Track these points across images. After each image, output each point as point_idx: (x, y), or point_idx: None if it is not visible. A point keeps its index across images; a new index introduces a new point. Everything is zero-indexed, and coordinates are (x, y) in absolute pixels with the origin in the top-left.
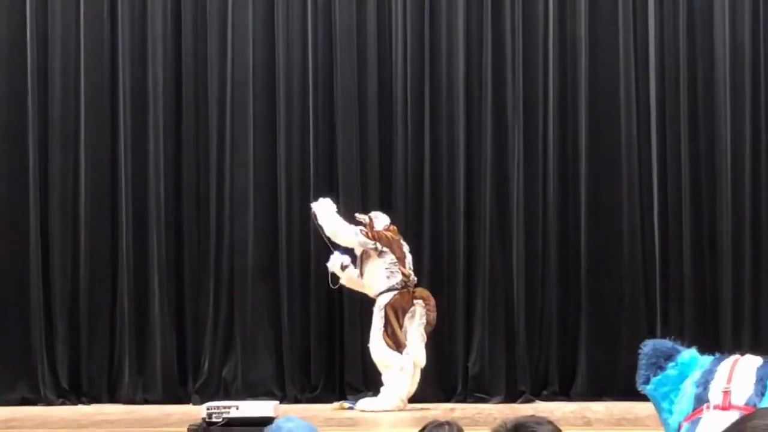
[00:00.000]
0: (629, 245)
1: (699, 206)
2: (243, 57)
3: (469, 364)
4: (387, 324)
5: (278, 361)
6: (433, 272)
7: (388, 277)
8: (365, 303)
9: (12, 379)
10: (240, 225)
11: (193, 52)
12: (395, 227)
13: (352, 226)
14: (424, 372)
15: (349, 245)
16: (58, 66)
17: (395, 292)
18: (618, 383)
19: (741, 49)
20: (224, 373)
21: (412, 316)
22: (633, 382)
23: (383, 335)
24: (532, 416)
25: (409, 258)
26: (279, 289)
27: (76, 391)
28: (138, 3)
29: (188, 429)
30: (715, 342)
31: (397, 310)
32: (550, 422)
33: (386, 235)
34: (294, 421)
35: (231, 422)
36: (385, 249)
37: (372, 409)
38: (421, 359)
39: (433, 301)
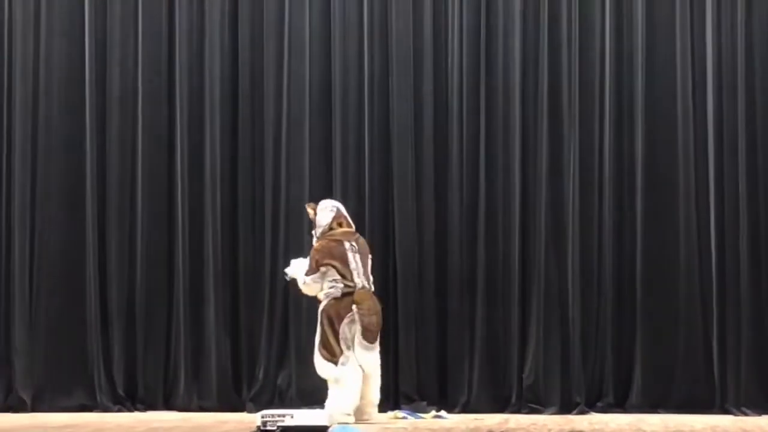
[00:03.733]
0: (685, 257)
1: (756, 218)
2: (299, 69)
3: (524, 375)
4: (323, 333)
5: None
6: (488, 283)
7: (331, 287)
8: (420, 309)
9: (69, 386)
10: (295, 234)
11: (250, 65)
12: (344, 221)
13: (301, 273)
14: (478, 381)
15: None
16: (116, 77)
17: (331, 298)
18: (674, 396)
19: None
20: (279, 380)
21: (352, 322)
22: (688, 395)
23: (320, 345)
24: None
25: (353, 264)
26: None
27: (132, 397)
28: (196, 15)
29: None
30: None
31: (332, 318)
32: None
33: (322, 253)
34: (349, 430)
35: (286, 431)
36: (324, 269)
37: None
38: (368, 367)
39: (368, 304)
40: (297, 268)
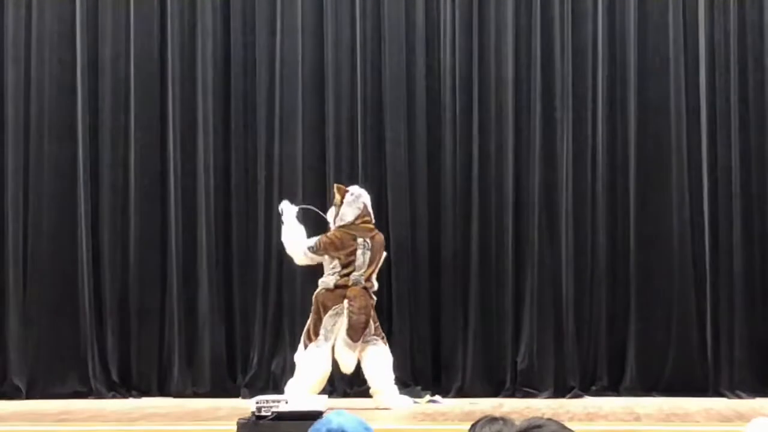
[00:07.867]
0: (679, 239)
1: (750, 201)
2: (291, 51)
3: (518, 359)
4: (310, 318)
5: None
6: (481, 266)
7: (328, 276)
8: (414, 294)
9: (63, 373)
10: None
11: (242, 47)
12: (368, 217)
13: (303, 244)
14: (472, 366)
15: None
16: (108, 61)
17: (323, 287)
18: (667, 378)
19: None
20: (273, 366)
21: (337, 315)
22: (682, 378)
23: (306, 329)
24: (533, 418)
25: (359, 261)
26: None
27: (126, 384)
28: None
29: (238, 422)
30: (766, 337)
31: (320, 305)
32: (553, 421)
33: (335, 245)
34: (344, 415)
35: (280, 416)
36: (328, 256)
37: None
38: (345, 363)
39: (360, 302)
40: (297, 231)
